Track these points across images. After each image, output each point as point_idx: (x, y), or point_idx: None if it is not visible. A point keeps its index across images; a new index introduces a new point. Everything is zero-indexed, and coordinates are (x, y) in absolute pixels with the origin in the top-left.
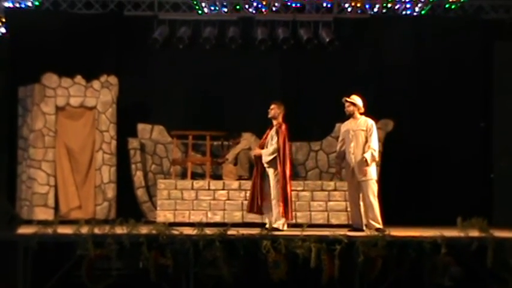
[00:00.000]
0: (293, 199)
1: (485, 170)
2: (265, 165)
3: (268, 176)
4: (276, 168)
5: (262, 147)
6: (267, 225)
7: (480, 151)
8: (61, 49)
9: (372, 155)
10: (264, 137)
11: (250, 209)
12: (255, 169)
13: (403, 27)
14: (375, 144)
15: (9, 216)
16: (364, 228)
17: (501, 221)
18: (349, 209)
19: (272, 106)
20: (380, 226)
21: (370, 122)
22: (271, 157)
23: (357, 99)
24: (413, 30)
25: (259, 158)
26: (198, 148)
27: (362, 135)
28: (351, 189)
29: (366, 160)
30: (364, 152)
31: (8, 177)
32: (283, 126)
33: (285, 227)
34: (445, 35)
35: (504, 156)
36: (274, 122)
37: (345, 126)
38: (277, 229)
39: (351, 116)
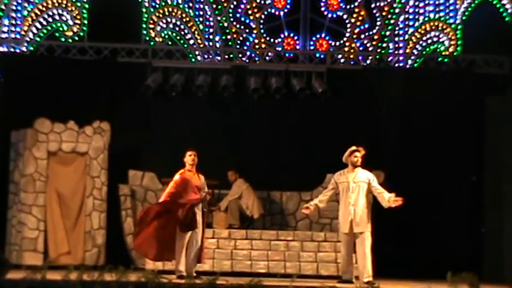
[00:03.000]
0: (282, 249)
1: (476, 224)
2: None
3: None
4: None
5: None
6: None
7: (471, 205)
8: (54, 94)
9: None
10: None
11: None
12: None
13: (395, 79)
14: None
15: None
16: (354, 280)
17: (491, 276)
18: (339, 260)
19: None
20: (371, 279)
21: (370, 174)
22: None
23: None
24: (406, 82)
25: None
26: None
27: (365, 186)
28: (346, 240)
29: (391, 197)
30: (368, 203)
31: None
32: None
33: None
34: (438, 87)
35: (494, 210)
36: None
37: (342, 177)
38: None
39: (356, 166)
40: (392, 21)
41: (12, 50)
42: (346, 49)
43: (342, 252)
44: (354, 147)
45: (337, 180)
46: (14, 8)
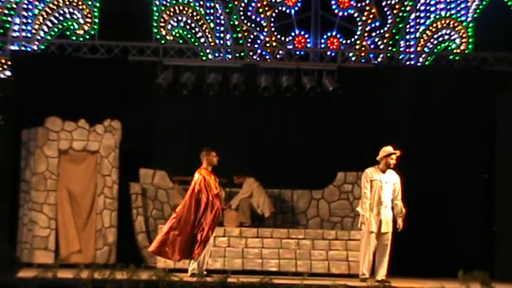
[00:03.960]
0: (293, 247)
1: (487, 222)
2: None
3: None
4: None
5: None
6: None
7: (483, 203)
8: (65, 93)
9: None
10: None
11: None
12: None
13: (406, 77)
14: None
15: (10, 259)
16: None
17: (503, 275)
18: (350, 258)
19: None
20: (384, 277)
21: (397, 175)
22: None
23: None
24: (416, 80)
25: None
26: None
27: (392, 188)
28: (372, 239)
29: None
30: (394, 204)
31: (9, 219)
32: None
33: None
34: (449, 86)
35: (506, 208)
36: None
37: (375, 176)
38: None
39: (389, 168)
40: (403, 19)
41: (23, 48)
42: (357, 47)
43: (365, 250)
44: (391, 149)
45: (371, 179)
46: (25, 6)
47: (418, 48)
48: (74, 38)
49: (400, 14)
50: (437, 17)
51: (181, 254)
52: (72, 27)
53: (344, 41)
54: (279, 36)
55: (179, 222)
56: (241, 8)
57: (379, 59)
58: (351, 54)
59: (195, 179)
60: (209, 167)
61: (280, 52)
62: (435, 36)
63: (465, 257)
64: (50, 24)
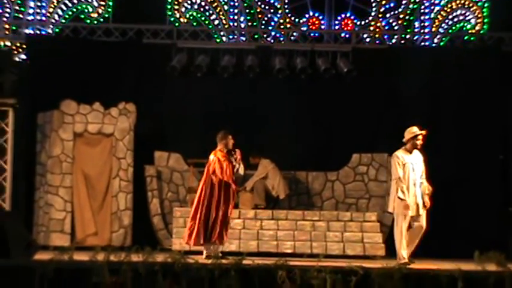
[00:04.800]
0: (308, 229)
1: (503, 203)
2: None
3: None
4: None
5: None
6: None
7: (498, 184)
8: (80, 76)
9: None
10: None
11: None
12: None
13: (421, 58)
14: None
15: (26, 242)
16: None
17: None
18: (366, 240)
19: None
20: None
21: (420, 154)
22: None
23: None
24: (431, 61)
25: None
26: None
27: (420, 167)
28: (407, 222)
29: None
30: (420, 183)
31: (26, 202)
32: None
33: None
34: (464, 66)
35: None
36: None
37: (404, 159)
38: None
39: (416, 148)
40: (417, 0)
41: (37, 32)
42: (371, 28)
43: (402, 234)
44: (417, 130)
45: (403, 162)
46: None
47: (433, 29)
48: (88, 21)
49: None
50: None
51: (197, 238)
52: (86, 10)
53: (358, 22)
54: (292, 18)
55: (196, 206)
56: None
57: (394, 40)
58: (365, 35)
59: (210, 160)
60: (225, 149)
61: (294, 34)
62: (450, 16)
63: (481, 238)
64: (64, 8)
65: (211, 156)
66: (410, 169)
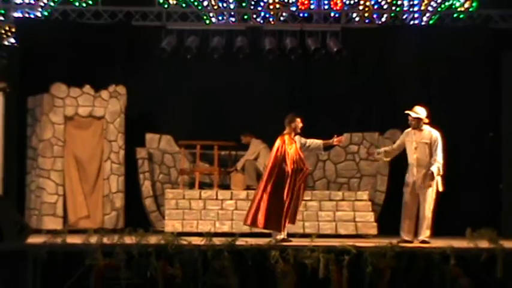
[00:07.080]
0: (300, 209)
1: (494, 180)
2: None
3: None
4: None
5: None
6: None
7: (488, 161)
8: (70, 59)
9: (438, 169)
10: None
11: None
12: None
13: (411, 37)
14: (440, 157)
15: (19, 226)
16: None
17: (510, 232)
18: (357, 219)
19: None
20: (426, 239)
21: (435, 133)
22: None
23: (420, 111)
24: (421, 39)
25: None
26: (206, 158)
27: (426, 147)
28: (410, 201)
29: (432, 173)
30: (429, 165)
31: (17, 186)
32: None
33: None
34: (453, 44)
35: None
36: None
37: (408, 135)
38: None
39: (415, 128)
40: None
41: (26, 15)
42: (360, 7)
43: (404, 213)
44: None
45: (404, 137)
46: None
47: (422, 7)
48: (77, 3)
49: None
50: None
51: (266, 223)
52: None
53: (348, 2)
54: None
55: (262, 189)
56: None
57: (383, 19)
58: (354, 14)
59: (276, 144)
60: (292, 133)
61: (284, 14)
62: None
63: (473, 215)
64: None
65: (278, 141)
66: (410, 147)
